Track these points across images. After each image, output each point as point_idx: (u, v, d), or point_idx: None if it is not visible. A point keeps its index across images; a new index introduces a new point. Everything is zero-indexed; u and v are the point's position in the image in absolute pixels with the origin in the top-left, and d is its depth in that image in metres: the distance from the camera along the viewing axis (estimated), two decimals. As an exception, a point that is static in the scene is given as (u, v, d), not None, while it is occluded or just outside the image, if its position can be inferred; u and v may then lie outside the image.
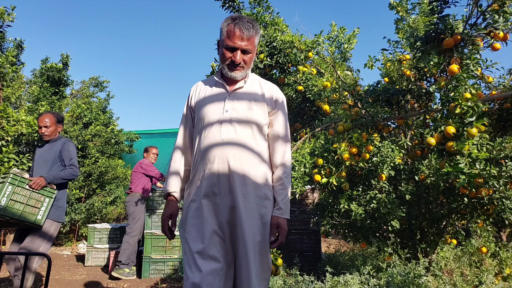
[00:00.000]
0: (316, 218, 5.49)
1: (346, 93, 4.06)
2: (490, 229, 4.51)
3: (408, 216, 3.67)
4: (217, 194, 1.64)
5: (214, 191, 1.64)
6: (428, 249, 3.69)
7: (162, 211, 4.02)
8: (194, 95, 1.86)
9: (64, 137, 3.53)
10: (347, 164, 3.29)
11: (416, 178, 3.58)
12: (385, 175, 3.44)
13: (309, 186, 4.45)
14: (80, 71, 30.18)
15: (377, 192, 3.65)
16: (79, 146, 7.30)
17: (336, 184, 3.27)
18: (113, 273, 4.70)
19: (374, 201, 3.55)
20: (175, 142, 1.88)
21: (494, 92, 3.55)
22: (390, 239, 3.92)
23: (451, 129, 2.61)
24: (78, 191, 7.31)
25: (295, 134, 4.27)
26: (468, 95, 2.61)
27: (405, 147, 3.70)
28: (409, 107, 3.93)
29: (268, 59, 4.19)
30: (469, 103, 2.58)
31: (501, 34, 2.82)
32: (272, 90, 1.83)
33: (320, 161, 3.34)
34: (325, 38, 4.59)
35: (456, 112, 2.59)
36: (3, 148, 4.28)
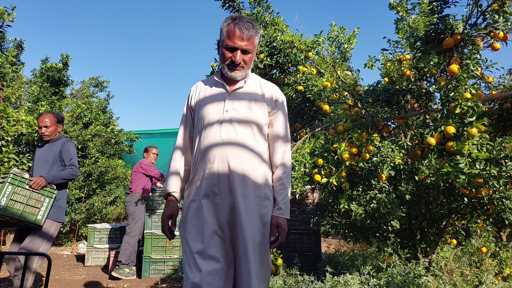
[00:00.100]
0: (316, 218, 5.49)
1: (346, 93, 4.06)
2: (490, 229, 4.51)
3: (408, 216, 3.67)
4: (217, 194, 1.64)
5: (214, 191, 1.64)
6: (428, 249, 3.69)
7: (162, 211, 4.02)
8: (194, 95, 1.86)
9: (64, 137, 3.52)
10: (347, 164, 3.29)
11: (416, 178, 3.58)
12: (385, 175, 3.44)
13: (309, 186, 4.45)
14: (80, 71, 30.22)
15: (377, 192, 3.65)
16: (79, 146, 7.30)
17: (336, 184, 3.27)
18: (113, 273, 4.70)
19: (374, 201, 3.55)
20: (175, 142, 1.88)
21: (494, 92, 3.55)
22: (390, 239, 3.92)
23: (451, 129, 2.61)
24: (78, 191, 7.31)
25: (295, 134, 4.27)
26: (468, 95, 2.61)
27: (405, 147, 3.70)
28: (409, 107, 3.93)
29: (268, 59, 4.19)
30: (469, 103, 2.58)
31: (501, 34, 2.82)
32: (272, 90, 1.83)
33: (320, 161, 3.34)
34: (325, 38, 4.59)
35: (456, 112, 2.59)
36: (3, 148, 4.28)
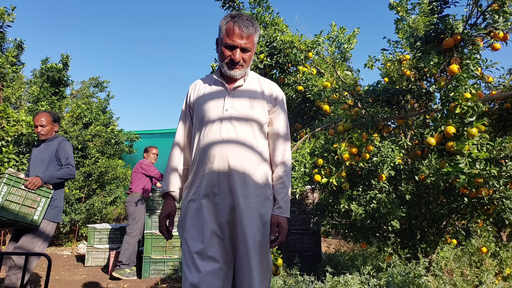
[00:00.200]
0: (316, 218, 5.48)
1: (346, 93, 4.06)
2: (490, 229, 4.51)
3: (408, 216, 3.67)
4: (217, 194, 1.63)
5: (214, 191, 1.63)
6: (428, 249, 3.69)
7: (162, 211, 4.02)
8: (193, 93, 1.83)
9: (61, 136, 3.48)
10: (347, 164, 3.29)
11: (416, 178, 3.58)
12: (385, 175, 3.44)
13: (309, 186, 4.45)
14: (80, 71, 30.19)
15: (377, 192, 3.65)
16: (79, 147, 7.30)
17: (336, 184, 3.27)
18: (114, 274, 4.70)
19: (374, 201, 3.55)
20: (174, 138, 1.86)
21: (494, 92, 3.55)
22: (390, 239, 3.92)
23: (451, 129, 2.61)
24: (78, 191, 7.31)
25: (295, 134, 4.27)
26: (468, 95, 2.61)
27: (405, 147, 3.71)
28: (409, 107, 3.93)
29: (268, 59, 4.19)
30: (469, 103, 2.58)
31: (501, 34, 2.82)
32: (272, 88, 1.81)
33: (320, 161, 3.34)
34: (325, 38, 4.60)
35: (456, 112, 2.59)
36: (3, 149, 4.28)
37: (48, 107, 6.89)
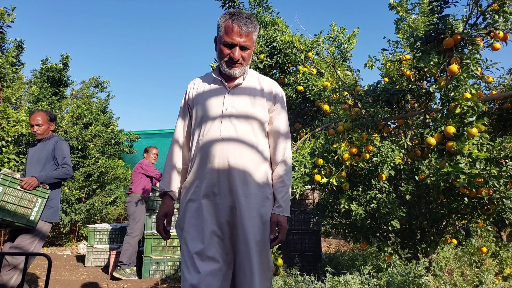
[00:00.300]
0: (316, 218, 5.48)
1: (346, 93, 4.06)
2: (490, 229, 4.51)
3: (408, 216, 3.67)
4: (217, 194, 1.62)
5: (214, 191, 1.62)
6: (428, 249, 3.69)
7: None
8: (191, 91, 1.81)
9: (57, 136, 3.45)
10: (347, 164, 3.29)
11: (416, 178, 3.57)
12: (385, 175, 3.44)
13: (309, 186, 4.45)
14: (80, 71, 30.19)
15: (377, 192, 3.65)
16: (79, 147, 7.30)
17: (336, 184, 3.27)
18: (115, 274, 4.70)
19: (374, 201, 3.55)
20: (173, 135, 1.84)
21: (494, 92, 3.55)
22: (390, 239, 3.92)
23: (451, 129, 2.61)
24: (78, 191, 7.31)
25: (295, 134, 4.28)
26: (468, 95, 2.61)
27: (405, 147, 3.71)
28: (409, 107, 3.93)
29: (268, 59, 4.19)
30: (469, 103, 2.58)
31: (501, 34, 2.82)
32: (271, 86, 1.80)
33: (320, 161, 3.34)
34: (325, 38, 4.60)
35: (456, 112, 2.59)
36: (3, 149, 4.28)
37: (48, 107, 6.89)
